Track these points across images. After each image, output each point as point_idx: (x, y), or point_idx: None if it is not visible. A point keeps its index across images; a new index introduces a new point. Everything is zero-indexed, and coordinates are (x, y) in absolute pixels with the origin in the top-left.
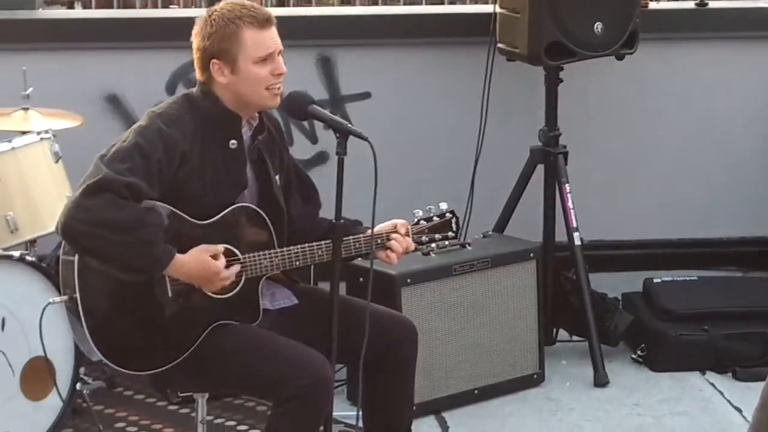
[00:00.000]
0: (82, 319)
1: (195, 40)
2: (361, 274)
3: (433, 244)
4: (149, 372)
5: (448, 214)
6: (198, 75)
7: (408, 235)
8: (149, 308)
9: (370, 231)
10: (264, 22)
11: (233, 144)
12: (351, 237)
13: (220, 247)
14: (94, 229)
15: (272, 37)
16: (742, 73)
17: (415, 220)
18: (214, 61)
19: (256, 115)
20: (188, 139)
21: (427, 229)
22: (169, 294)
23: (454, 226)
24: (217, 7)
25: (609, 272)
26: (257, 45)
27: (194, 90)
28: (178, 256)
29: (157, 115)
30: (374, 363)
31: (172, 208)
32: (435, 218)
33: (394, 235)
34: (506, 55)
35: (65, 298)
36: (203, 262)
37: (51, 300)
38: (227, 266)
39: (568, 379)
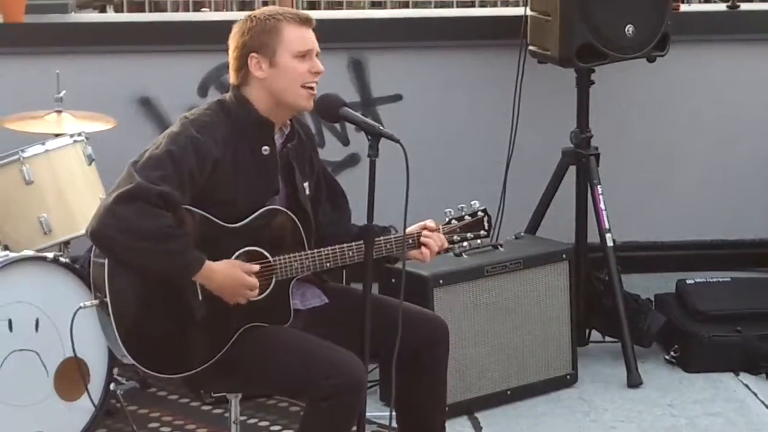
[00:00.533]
0: (113, 323)
1: (233, 40)
2: (393, 275)
3: (465, 243)
4: (181, 375)
5: (479, 213)
6: (233, 78)
7: (439, 232)
8: (180, 311)
9: (400, 232)
10: (305, 20)
11: (266, 150)
12: (382, 238)
13: (255, 267)
14: (125, 236)
15: (311, 36)
16: None
17: (447, 219)
18: (252, 54)
19: (288, 122)
20: (221, 145)
21: (458, 228)
22: (200, 297)
23: (486, 224)
24: (255, 11)
25: (641, 273)
26: (297, 39)
27: (227, 96)
28: (208, 264)
29: (190, 122)
30: (406, 362)
31: (202, 212)
32: (467, 217)
33: (427, 233)
34: (537, 58)
35: (96, 302)
36: (235, 274)
37: (82, 304)
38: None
39: (602, 380)
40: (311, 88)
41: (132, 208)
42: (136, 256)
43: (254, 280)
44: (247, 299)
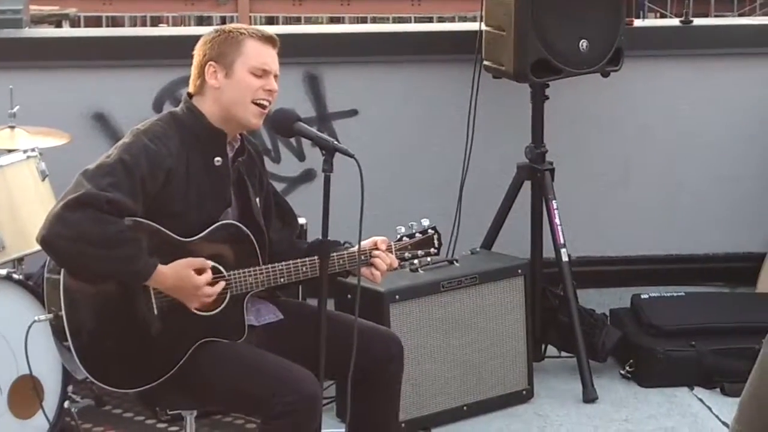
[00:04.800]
0: (68, 336)
1: (197, 48)
2: (349, 290)
3: (416, 261)
4: (134, 390)
5: (430, 231)
6: (190, 86)
7: (391, 252)
8: (134, 326)
9: (355, 248)
10: (268, 38)
11: (218, 161)
12: (335, 254)
13: (209, 262)
14: (76, 244)
15: (272, 56)
16: (727, 89)
17: (398, 236)
18: (210, 63)
19: (238, 137)
20: (173, 155)
21: (409, 245)
22: (155, 311)
23: (436, 242)
24: (225, 25)
25: (597, 288)
26: (257, 55)
27: (179, 108)
28: (160, 268)
29: (142, 132)
30: (360, 378)
31: (156, 225)
32: (417, 234)
33: (377, 252)
34: (492, 73)
35: (50, 316)
36: (184, 277)
37: (36, 318)
38: (212, 283)
39: (557, 395)
40: (262, 106)
41: (82, 215)
42: (87, 262)
43: (205, 278)
44: (208, 299)
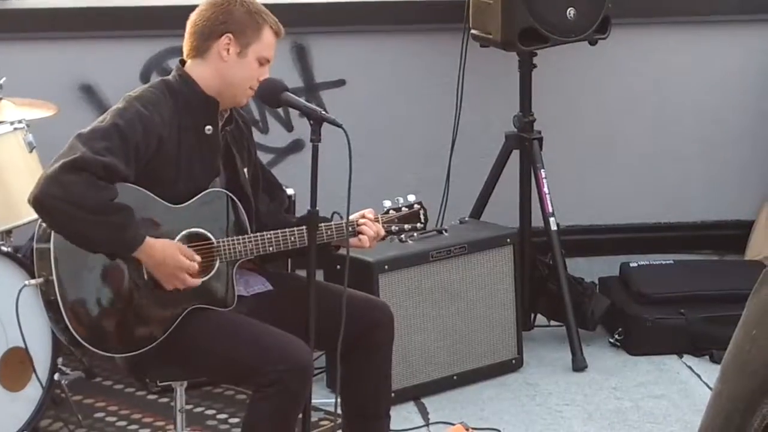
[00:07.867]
0: (59, 301)
1: (214, 11)
2: (338, 261)
3: (402, 235)
4: (125, 355)
5: (416, 206)
6: (188, 48)
7: (378, 222)
8: (124, 291)
9: (343, 219)
10: (279, 32)
11: (209, 129)
12: (323, 224)
13: (197, 257)
14: (68, 207)
15: (275, 48)
16: (714, 56)
17: (384, 209)
18: (229, 34)
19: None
20: (166, 123)
21: (396, 219)
22: (145, 277)
23: (422, 217)
24: None
25: (585, 257)
26: (268, 47)
27: (171, 76)
28: (149, 240)
29: (135, 98)
30: (350, 347)
31: (146, 191)
32: (404, 209)
33: (363, 220)
34: (480, 41)
35: (41, 280)
36: (171, 255)
37: (26, 282)
38: (193, 274)
39: (547, 364)
40: (253, 90)
41: (76, 179)
42: (78, 226)
43: (191, 264)
44: (183, 285)
